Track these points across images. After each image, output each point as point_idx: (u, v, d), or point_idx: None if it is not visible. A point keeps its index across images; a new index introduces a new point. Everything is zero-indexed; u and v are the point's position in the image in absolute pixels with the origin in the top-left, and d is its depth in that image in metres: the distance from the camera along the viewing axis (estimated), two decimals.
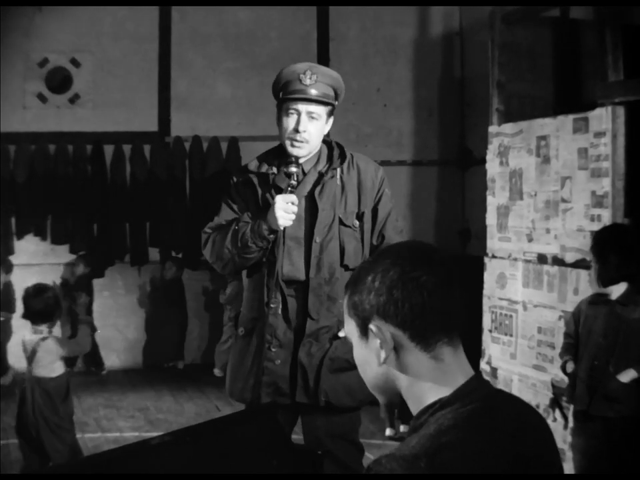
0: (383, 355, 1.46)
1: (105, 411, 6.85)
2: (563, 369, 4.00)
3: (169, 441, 2.14)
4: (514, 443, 1.39)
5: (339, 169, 3.17)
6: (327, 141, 3.26)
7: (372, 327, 1.46)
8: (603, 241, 3.84)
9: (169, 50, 8.58)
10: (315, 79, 3.07)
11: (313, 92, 3.07)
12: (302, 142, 3.09)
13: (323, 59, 8.47)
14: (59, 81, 8.43)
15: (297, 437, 3.21)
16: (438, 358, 1.45)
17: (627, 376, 3.68)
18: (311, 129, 3.09)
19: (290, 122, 3.10)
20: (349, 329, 1.53)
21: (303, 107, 3.08)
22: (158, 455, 2.05)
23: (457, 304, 1.47)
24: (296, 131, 3.08)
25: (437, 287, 1.43)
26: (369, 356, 1.49)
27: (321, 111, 3.11)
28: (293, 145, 3.11)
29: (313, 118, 3.09)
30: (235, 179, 3.27)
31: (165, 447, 2.09)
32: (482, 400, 1.42)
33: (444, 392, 1.43)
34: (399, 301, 1.43)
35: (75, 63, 8.46)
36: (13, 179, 8.17)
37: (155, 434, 4.90)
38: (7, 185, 8.10)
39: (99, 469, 1.92)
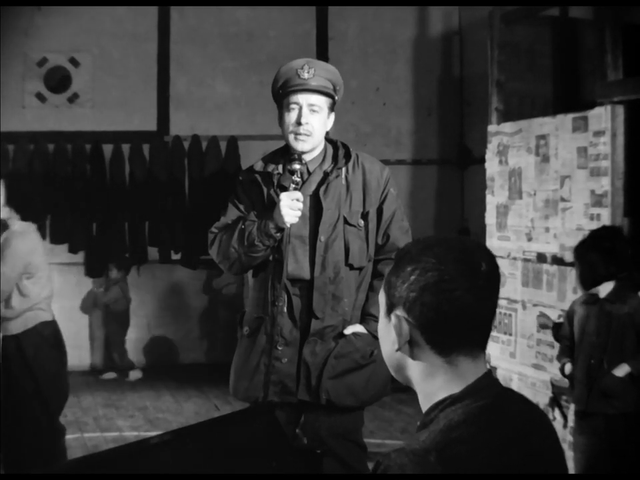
0: (396, 345, 1.47)
1: (104, 410, 6.85)
2: (562, 371, 4.01)
3: (168, 440, 2.13)
4: (521, 439, 1.40)
5: (344, 169, 3.17)
6: (332, 140, 3.26)
7: (394, 315, 1.46)
8: (581, 244, 3.87)
9: (168, 49, 8.57)
10: (313, 73, 3.07)
11: (313, 83, 3.07)
12: (305, 135, 3.09)
13: (322, 58, 8.44)
14: (58, 81, 8.42)
15: None
16: (452, 364, 1.44)
17: (621, 370, 3.71)
18: (312, 121, 3.09)
19: (292, 116, 3.10)
20: (380, 299, 1.52)
21: (303, 100, 3.08)
22: (157, 455, 2.05)
23: (486, 323, 1.44)
24: (298, 123, 3.08)
25: (469, 305, 1.41)
26: (388, 335, 1.49)
27: (322, 102, 3.11)
28: (296, 139, 3.10)
29: (314, 111, 3.09)
30: (241, 179, 3.27)
31: (164, 447, 2.08)
32: (492, 397, 1.43)
33: (455, 389, 1.43)
34: (426, 306, 1.41)
35: (74, 62, 8.45)
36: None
37: (154, 433, 4.89)
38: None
39: (98, 469, 1.92)
